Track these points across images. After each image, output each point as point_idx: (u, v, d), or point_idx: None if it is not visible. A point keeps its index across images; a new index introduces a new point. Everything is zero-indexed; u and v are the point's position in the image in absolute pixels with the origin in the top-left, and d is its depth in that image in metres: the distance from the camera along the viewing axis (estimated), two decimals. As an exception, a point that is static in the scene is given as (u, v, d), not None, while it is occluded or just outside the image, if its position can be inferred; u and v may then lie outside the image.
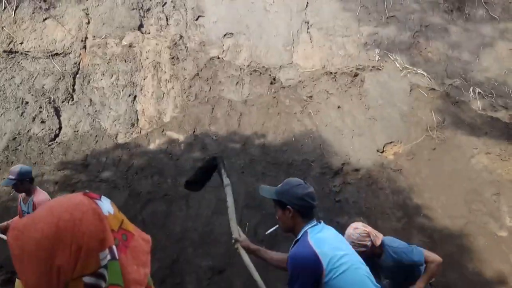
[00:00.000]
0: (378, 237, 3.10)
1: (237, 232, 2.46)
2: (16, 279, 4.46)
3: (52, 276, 0.72)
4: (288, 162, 5.25)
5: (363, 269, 2.08)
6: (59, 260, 0.72)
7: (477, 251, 4.22)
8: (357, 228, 3.08)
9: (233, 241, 2.45)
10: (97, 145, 5.58)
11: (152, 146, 5.63)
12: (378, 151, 5.10)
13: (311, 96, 5.89)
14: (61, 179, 5.24)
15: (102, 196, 0.84)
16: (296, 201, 2.17)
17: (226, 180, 2.50)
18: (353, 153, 5.15)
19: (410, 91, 5.69)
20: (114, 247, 0.77)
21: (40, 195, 4.22)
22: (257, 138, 5.56)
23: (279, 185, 2.31)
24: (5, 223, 4.33)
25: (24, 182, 4.15)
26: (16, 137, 5.65)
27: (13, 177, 4.05)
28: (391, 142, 5.14)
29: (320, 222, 2.23)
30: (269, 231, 2.50)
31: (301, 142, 5.39)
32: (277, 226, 2.35)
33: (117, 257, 0.76)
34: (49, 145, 5.61)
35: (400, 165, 4.93)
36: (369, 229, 3.13)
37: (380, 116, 5.45)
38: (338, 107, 5.67)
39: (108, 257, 0.75)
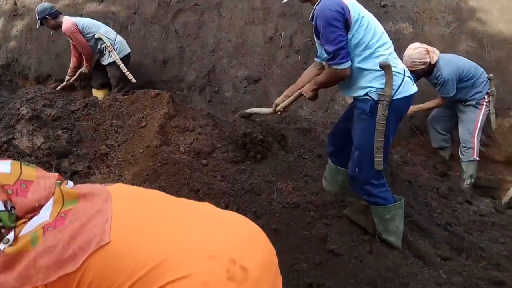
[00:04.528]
0: (436, 53, 3.42)
1: (265, 109, 2.74)
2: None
3: None
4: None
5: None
6: None
7: (528, 56, 3.98)
8: (417, 47, 3.38)
9: (278, 111, 2.60)
10: None
11: None
12: None
13: None
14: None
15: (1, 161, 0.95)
16: None
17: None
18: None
19: None
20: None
21: (65, 23, 4.36)
22: None
23: None
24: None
25: (47, 19, 4.31)
26: None
27: (37, 17, 4.31)
28: None
29: None
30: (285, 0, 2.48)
31: None
32: None
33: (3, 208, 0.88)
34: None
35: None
36: (426, 46, 3.42)
37: None
38: None
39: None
